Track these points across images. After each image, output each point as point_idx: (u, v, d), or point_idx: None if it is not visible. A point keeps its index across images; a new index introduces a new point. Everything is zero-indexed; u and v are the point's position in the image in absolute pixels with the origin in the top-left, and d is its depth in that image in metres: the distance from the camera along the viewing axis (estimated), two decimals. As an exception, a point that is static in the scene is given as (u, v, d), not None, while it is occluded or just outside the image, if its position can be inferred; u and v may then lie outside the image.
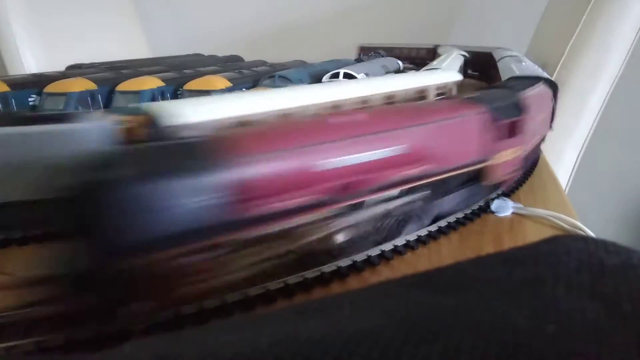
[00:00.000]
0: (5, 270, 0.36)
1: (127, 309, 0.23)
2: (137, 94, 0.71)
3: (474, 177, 0.42)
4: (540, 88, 0.54)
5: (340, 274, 0.34)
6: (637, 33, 0.97)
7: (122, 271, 0.22)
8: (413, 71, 0.92)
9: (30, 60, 1.37)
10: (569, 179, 1.13)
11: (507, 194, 0.49)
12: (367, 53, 1.20)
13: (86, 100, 0.71)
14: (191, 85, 0.71)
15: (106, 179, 0.21)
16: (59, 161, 0.25)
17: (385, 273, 0.35)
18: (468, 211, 0.44)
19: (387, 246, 0.37)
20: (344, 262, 0.35)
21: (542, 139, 0.64)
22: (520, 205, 0.46)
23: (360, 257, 0.36)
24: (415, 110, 0.38)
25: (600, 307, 0.11)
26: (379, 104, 0.54)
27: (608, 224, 1.62)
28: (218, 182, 0.24)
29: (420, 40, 2.04)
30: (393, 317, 0.12)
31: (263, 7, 2.19)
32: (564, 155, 1.09)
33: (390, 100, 0.55)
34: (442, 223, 0.41)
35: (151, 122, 0.35)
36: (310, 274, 0.33)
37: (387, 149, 0.32)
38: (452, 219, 0.42)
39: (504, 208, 0.45)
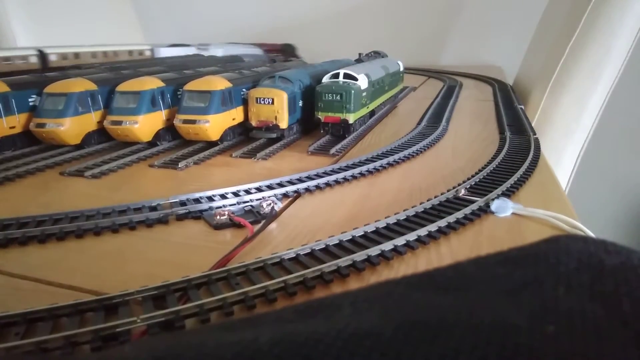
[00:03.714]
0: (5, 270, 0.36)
1: None
2: (137, 94, 0.71)
3: None
4: None
5: (340, 274, 0.34)
6: (637, 33, 0.97)
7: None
8: None
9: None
10: (569, 179, 1.13)
11: (507, 194, 0.49)
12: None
13: (86, 100, 0.71)
14: (191, 85, 0.71)
15: None
16: None
17: (385, 273, 0.35)
18: (468, 211, 0.44)
19: (387, 246, 0.37)
20: (344, 262, 0.35)
21: None
22: (520, 206, 0.46)
23: (360, 257, 0.36)
24: None
25: (600, 307, 0.11)
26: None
27: (608, 224, 1.62)
28: None
29: (420, 45, 2.04)
30: (393, 317, 0.12)
31: (263, 8, 2.20)
32: (564, 155, 1.09)
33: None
34: (442, 223, 0.41)
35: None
36: (310, 273, 0.33)
37: None
38: (451, 219, 0.42)
39: (504, 208, 0.45)
